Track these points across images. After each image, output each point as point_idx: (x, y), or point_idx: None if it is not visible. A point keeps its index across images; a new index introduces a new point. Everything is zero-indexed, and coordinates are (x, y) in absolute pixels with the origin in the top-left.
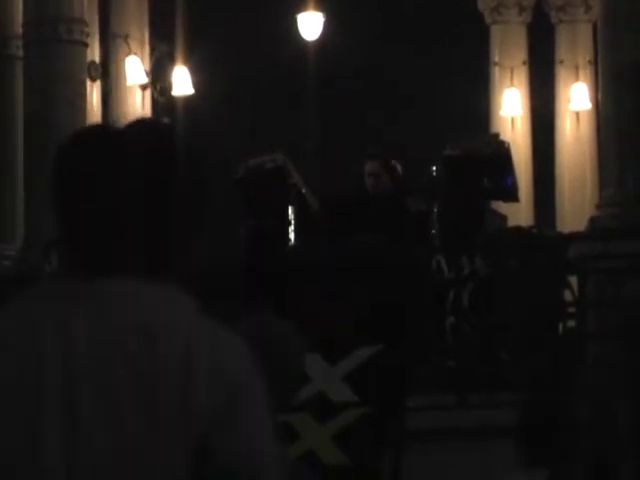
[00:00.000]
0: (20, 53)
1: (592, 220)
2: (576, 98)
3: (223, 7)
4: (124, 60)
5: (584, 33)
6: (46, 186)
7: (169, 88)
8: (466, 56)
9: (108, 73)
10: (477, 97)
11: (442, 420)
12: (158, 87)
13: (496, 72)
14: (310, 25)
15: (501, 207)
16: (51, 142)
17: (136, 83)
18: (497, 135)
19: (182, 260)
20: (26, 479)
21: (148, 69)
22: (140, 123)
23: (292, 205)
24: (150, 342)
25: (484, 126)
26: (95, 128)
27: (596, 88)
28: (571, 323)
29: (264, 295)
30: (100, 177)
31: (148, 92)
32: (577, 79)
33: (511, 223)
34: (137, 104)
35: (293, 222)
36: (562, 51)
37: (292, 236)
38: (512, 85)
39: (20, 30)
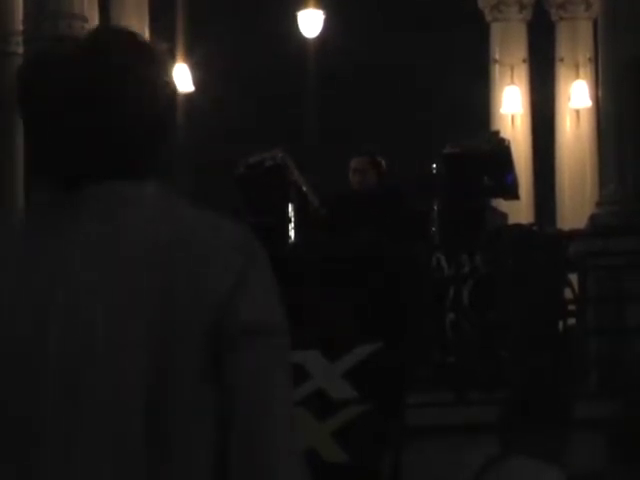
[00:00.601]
0: (20, 49)
1: (592, 217)
2: (576, 96)
3: (223, 4)
4: None
5: (584, 31)
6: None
7: None
8: (466, 54)
9: None
10: (477, 95)
11: (441, 417)
12: None
13: (496, 70)
14: (310, 22)
15: (501, 205)
16: None
17: None
18: (497, 133)
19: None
20: (30, 364)
21: None
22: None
23: (292, 202)
24: (157, 234)
25: (484, 124)
26: (69, 47)
27: (596, 86)
28: (571, 320)
29: None
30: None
31: None
32: (577, 77)
33: (511, 221)
34: None
35: (293, 219)
36: (562, 49)
37: (292, 233)
38: (512, 83)
39: (20, 26)
